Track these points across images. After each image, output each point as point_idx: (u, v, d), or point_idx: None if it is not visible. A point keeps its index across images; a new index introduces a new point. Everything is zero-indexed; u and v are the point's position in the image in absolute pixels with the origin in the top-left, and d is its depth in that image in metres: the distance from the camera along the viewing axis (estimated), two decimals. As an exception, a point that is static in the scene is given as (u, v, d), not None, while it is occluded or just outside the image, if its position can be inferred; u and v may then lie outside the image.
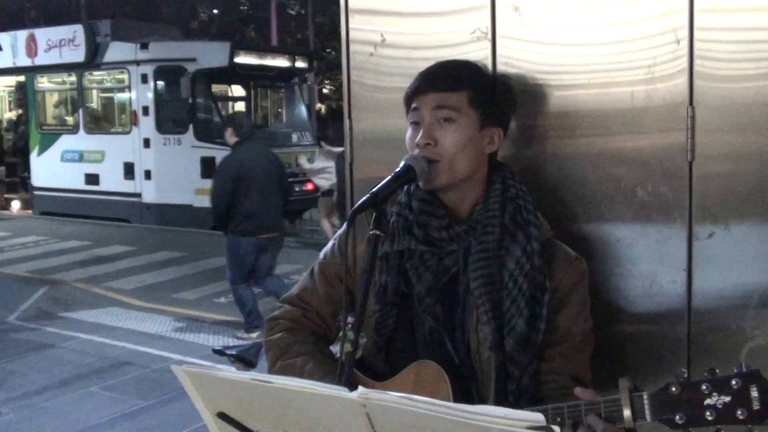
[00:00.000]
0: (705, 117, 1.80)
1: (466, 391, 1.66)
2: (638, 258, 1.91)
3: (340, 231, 1.90)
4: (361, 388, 1.04)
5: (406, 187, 1.77)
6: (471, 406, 1.00)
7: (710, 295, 1.83)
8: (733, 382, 1.31)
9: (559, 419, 1.45)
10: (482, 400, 1.66)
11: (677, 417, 1.34)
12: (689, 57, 1.81)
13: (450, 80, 1.74)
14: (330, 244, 1.91)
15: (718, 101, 1.79)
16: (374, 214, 1.60)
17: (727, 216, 1.80)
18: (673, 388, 1.34)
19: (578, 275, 1.75)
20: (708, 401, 1.32)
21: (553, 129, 2.00)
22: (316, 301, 1.87)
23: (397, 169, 1.67)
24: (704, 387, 1.32)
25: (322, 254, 1.91)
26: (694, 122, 1.80)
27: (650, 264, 1.90)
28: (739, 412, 1.29)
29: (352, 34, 2.33)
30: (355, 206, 1.58)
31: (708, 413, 1.32)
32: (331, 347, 1.89)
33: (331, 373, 1.70)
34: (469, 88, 1.74)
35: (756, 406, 1.29)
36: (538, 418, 0.97)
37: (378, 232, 1.58)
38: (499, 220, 1.70)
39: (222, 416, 1.18)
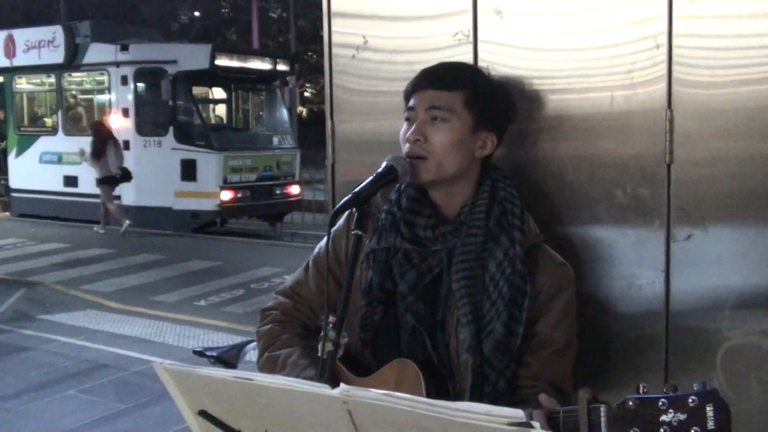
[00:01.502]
0: (683, 121, 1.82)
1: (443, 392, 1.66)
2: (617, 259, 1.93)
3: (336, 225, 1.88)
4: (342, 386, 1.05)
5: (398, 185, 1.78)
6: (452, 403, 1.01)
7: (688, 295, 1.85)
8: (690, 399, 1.29)
9: None
10: (457, 400, 1.66)
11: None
12: (668, 63, 1.83)
13: (448, 79, 1.75)
14: (325, 238, 1.90)
15: (697, 106, 1.81)
16: (356, 215, 1.61)
17: (704, 218, 1.82)
18: (630, 403, 1.32)
19: (562, 282, 1.75)
20: (663, 417, 1.30)
21: (535, 132, 2.01)
22: (308, 294, 1.89)
23: (379, 169, 1.68)
24: (661, 403, 1.31)
25: (316, 248, 1.93)
26: (673, 125, 1.82)
27: (629, 265, 1.92)
28: (694, 430, 1.28)
29: (334, 37, 2.34)
30: (336, 206, 1.60)
31: (662, 429, 1.30)
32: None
33: (314, 364, 1.71)
34: (466, 89, 1.74)
35: (711, 425, 1.28)
36: (518, 414, 0.98)
37: (360, 232, 1.60)
38: (483, 222, 1.71)
39: (203, 414, 1.18)
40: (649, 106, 1.86)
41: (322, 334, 1.55)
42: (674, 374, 1.87)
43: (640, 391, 1.33)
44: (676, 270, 1.86)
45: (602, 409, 1.34)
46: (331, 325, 1.54)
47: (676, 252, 1.86)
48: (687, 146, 1.83)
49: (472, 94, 1.74)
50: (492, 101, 1.78)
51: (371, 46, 2.26)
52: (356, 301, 1.75)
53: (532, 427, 0.97)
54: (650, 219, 1.88)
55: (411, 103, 1.76)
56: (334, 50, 2.34)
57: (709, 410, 1.28)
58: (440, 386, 1.66)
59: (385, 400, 1.02)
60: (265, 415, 1.14)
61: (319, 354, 1.54)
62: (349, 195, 1.61)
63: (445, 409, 1.00)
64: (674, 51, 1.82)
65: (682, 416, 1.29)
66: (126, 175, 13.02)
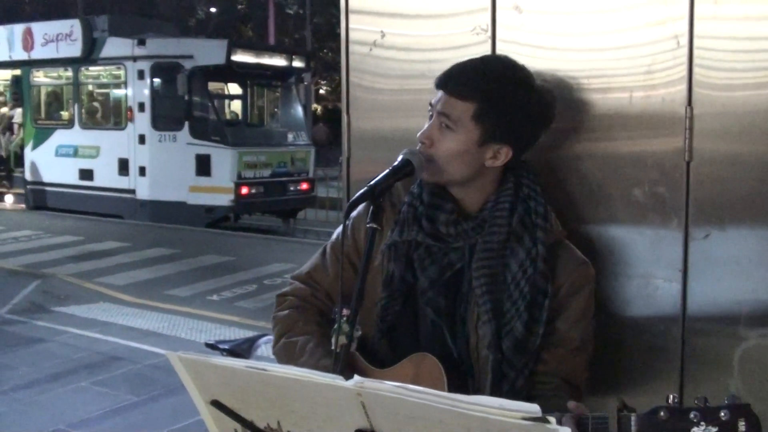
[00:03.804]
0: (703, 120, 1.81)
1: (462, 386, 1.66)
2: (634, 257, 1.92)
3: (355, 212, 1.82)
4: (356, 377, 1.04)
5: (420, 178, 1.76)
6: (467, 396, 1.00)
7: (705, 295, 1.83)
8: (722, 413, 1.29)
9: None
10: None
11: None
12: (688, 64, 1.81)
13: (462, 87, 1.69)
14: (341, 226, 1.87)
15: (717, 106, 1.79)
16: (371, 208, 1.60)
17: (723, 217, 1.80)
18: (662, 413, 1.33)
19: (582, 280, 1.74)
20: (695, 429, 1.30)
21: (553, 131, 1.99)
22: (325, 280, 1.87)
23: (396, 163, 1.67)
24: (692, 415, 1.31)
25: (334, 234, 1.90)
26: (692, 122, 1.81)
27: (646, 264, 1.90)
28: None
29: (351, 34, 2.34)
30: (352, 199, 1.59)
31: None
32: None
33: (331, 353, 1.68)
34: (477, 101, 1.67)
35: None
36: (533, 409, 0.97)
37: (375, 226, 1.59)
38: (506, 220, 1.69)
39: (216, 404, 1.17)
40: (668, 104, 1.84)
41: (335, 326, 1.54)
42: (690, 373, 1.85)
43: (670, 401, 1.33)
44: (693, 269, 1.84)
45: (633, 418, 1.34)
46: (345, 318, 1.54)
47: (694, 251, 1.84)
48: (706, 145, 1.81)
49: (483, 108, 1.67)
50: (507, 115, 1.69)
51: (388, 44, 2.25)
52: (375, 294, 1.75)
53: (547, 421, 0.96)
54: (668, 217, 1.87)
55: (433, 100, 1.74)
56: (351, 47, 2.34)
57: (741, 425, 1.29)
58: (459, 381, 1.66)
59: (399, 392, 1.02)
60: (278, 406, 1.13)
61: (333, 347, 1.53)
62: (365, 188, 1.60)
63: (460, 403, 0.99)
64: (695, 53, 1.80)
65: (713, 429, 1.29)
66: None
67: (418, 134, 1.73)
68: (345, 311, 1.55)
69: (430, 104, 1.74)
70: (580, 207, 1.98)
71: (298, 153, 14.31)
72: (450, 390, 1.60)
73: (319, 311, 1.87)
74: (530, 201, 1.72)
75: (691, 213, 1.83)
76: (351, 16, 2.34)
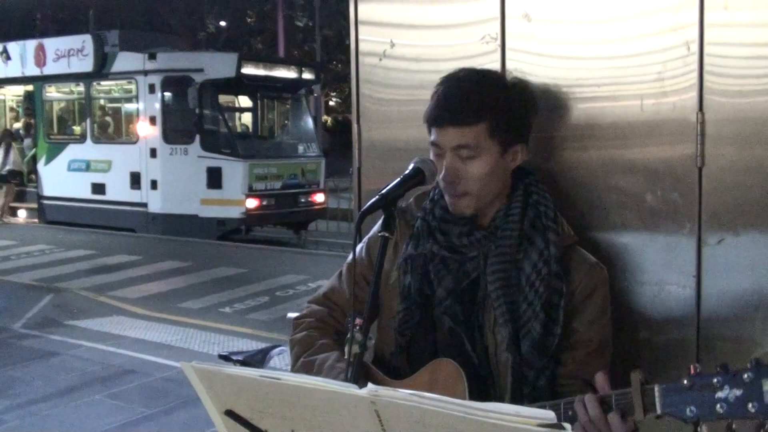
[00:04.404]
0: (714, 125, 1.80)
1: (483, 392, 1.67)
2: (648, 264, 1.91)
3: (371, 232, 1.90)
4: (370, 385, 1.04)
5: (431, 193, 1.80)
6: (481, 404, 0.99)
7: (719, 301, 1.82)
8: (746, 375, 1.30)
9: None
10: (498, 401, 1.65)
11: (688, 410, 1.34)
12: (699, 71, 1.81)
13: (468, 114, 1.69)
14: (360, 245, 1.91)
15: (728, 113, 1.79)
16: (383, 216, 1.60)
17: (736, 222, 1.79)
18: (685, 381, 1.34)
19: (597, 282, 1.75)
20: (719, 394, 1.31)
21: (564, 138, 2.00)
22: (342, 300, 1.89)
23: (407, 171, 1.67)
24: (716, 380, 1.32)
25: (351, 254, 1.88)
26: (704, 128, 1.80)
27: (660, 270, 1.89)
28: (751, 405, 1.29)
29: (361, 45, 2.35)
30: (364, 208, 1.59)
31: (719, 406, 1.31)
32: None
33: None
34: (487, 119, 1.69)
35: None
36: (548, 415, 0.96)
37: (387, 234, 1.59)
38: (518, 225, 1.72)
39: (230, 414, 1.17)
40: (680, 110, 1.84)
41: (348, 336, 1.54)
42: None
43: (692, 371, 1.34)
44: (707, 275, 1.83)
45: (656, 389, 1.37)
46: (357, 327, 1.54)
47: (708, 257, 1.83)
48: (718, 150, 1.80)
49: (494, 122, 1.70)
50: (514, 117, 1.74)
51: (398, 54, 2.26)
52: (391, 310, 1.78)
53: (563, 428, 0.95)
54: (681, 223, 1.86)
55: (434, 138, 1.74)
56: (361, 58, 2.35)
57: (766, 385, 1.28)
58: (480, 387, 1.66)
59: (413, 400, 1.01)
60: (293, 416, 1.13)
61: (346, 356, 1.54)
62: (377, 197, 1.61)
63: (474, 410, 0.98)
64: (706, 59, 1.80)
65: (738, 392, 1.30)
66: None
67: (440, 177, 1.71)
68: (358, 321, 1.55)
69: (434, 144, 1.73)
70: (592, 214, 1.97)
71: (308, 164, 14.34)
72: (471, 394, 1.60)
73: (336, 331, 1.88)
74: (540, 206, 1.75)
75: (704, 218, 1.83)
76: (360, 28, 2.35)
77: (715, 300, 1.83)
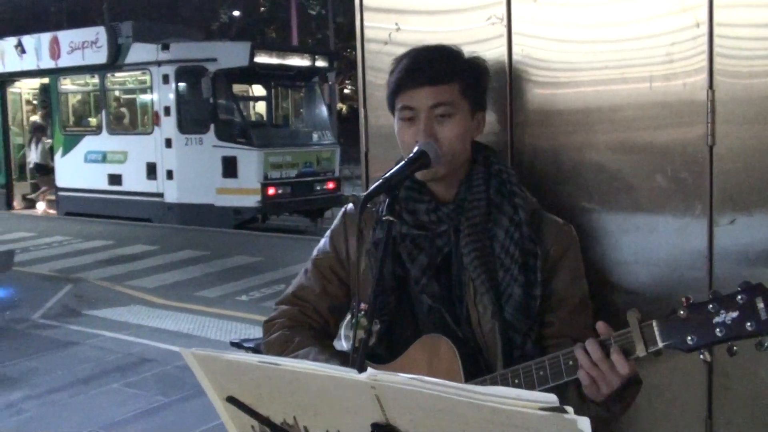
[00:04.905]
0: (725, 107, 1.77)
1: (473, 364, 1.67)
2: (658, 245, 1.88)
3: (333, 225, 1.94)
4: (370, 370, 1.02)
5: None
6: (482, 387, 0.97)
7: (731, 282, 1.77)
8: (739, 297, 1.34)
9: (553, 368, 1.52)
10: (490, 370, 1.68)
11: (688, 339, 1.38)
12: (709, 52, 1.77)
13: (444, 72, 1.72)
14: (323, 240, 1.94)
15: (738, 93, 1.75)
16: (387, 200, 1.59)
17: (749, 202, 1.76)
18: (681, 312, 1.38)
19: (568, 240, 1.78)
20: (716, 319, 1.36)
21: (572, 120, 1.97)
22: (312, 297, 1.89)
23: (411, 155, 1.66)
24: (711, 306, 1.36)
25: (315, 250, 1.95)
26: (714, 105, 1.77)
27: (670, 251, 1.86)
28: (748, 324, 1.33)
29: (366, 32, 2.33)
30: (367, 192, 1.58)
31: (718, 330, 1.35)
32: (343, 331, 1.90)
33: (334, 358, 1.74)
34: (459, 78, 1.73)
35: (764, 316, 1.33)
36: (551, 399, 0.94)
37: (392, 218, 1.58)
38: (484, 194, 1.74)
39: (232, 400, 1.16)
40: (689, 89, 1.80)
41: (353, 321, 1.53)
42: (718, 363, 1.81)
43: (685, 303, 1.39)
44: (719, 256, 1.80)
45: (654, 324, 1.41)
46: (363, 312, 1.53)
47: (719, 237, 1.80)
48: (729, 128, 1.77)
49: (465, 82, 1.74)
50: (479, 81, 1.79)
51: (401, 40, 2.23)
52: (365, 294, 1.76)
53: (565, 411, 0.93)
54: (692, 203, 1.83)
55: (406, 102, 1.73)
56: (367, 45, 2.33)
57: (760, 303, 1.34)
58: (470, 359, 1.66)
59: (414, 384, 1.00)
60: (293, 401, 1.12)
61: (352, 341, 1.53)
62: (380, 181, 1.59)
63: (476, 394, 0.97)
64: (715, 41, 1.77)
65: (734, 314, 1.35)
66: None
67: (416, 138, 1.72)
68: (363, 306, 1.54)
69: (407, 108, 1.73)
70: (602, 195, 1.95)
71: (323, 152, 14.34)
72: (464, 368, 1.62)
73: (310, 328, 1.88)
74: (502, 174, 1.78)
75: (715, 198, 1.79)
76: (365, 14, 2.33)
77: (727, 282, 1.78)
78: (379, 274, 1.54)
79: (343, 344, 1.90)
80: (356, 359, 1.48)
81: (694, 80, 1.80)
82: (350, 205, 1.92)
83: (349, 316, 1.86)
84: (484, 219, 1.72)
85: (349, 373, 1.04)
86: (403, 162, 1.65)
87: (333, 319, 1.90)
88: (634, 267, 1.91)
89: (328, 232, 1.95)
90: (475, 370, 1.65)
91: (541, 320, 1.72)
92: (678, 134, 1.83)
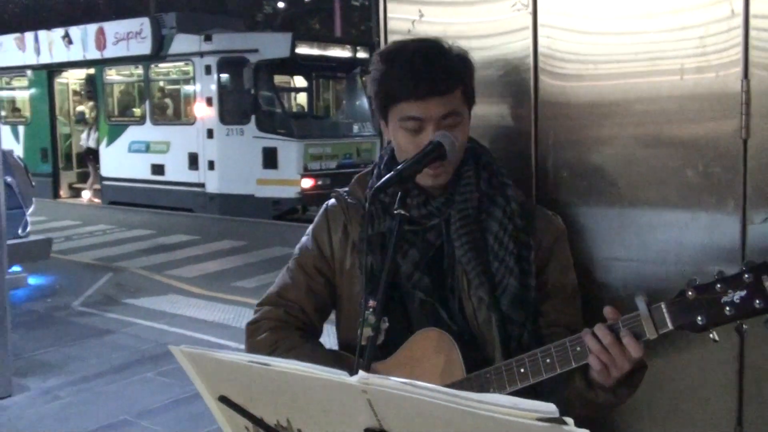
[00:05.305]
0: (759, 100, 1.67)
1: (469, 357, 1.63)
2: (688, 243, 1.79)
3: (314, 223, 1.90)
4: (361, 373, 0.97)
5: (375, 171, 1.79)
6: (477, 395, 0.91)
7: (765, 283, 1.69)
8: (746, 276, 1.36)
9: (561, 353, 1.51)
10: (487, 362, 1.63)
11: (698, 319, 1.39)
12: (744, 44, 1.68)
13: (447, 81, 1.65)
14: (305, 238, 1.90)
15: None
16: (399, 194, 1.54)
17: (785, 198, 1.66)
18: (689, 293, 1.39)
19: (558, 231, 1.78)
20: (725, 298, 1.37)
21: (602, 114, 1.89)
22: (297, 296, 1.83)
23: (425, 147, 1.60)
24: (719, 286, 1.37)
25: (297, 249, 1.90)
26: (750, 96, 1.67)
27: (701, 250, 1.77)
28: (757, 302, 1.35)
29: (390, 23, 2.28)
30: (378, 184, 1.53)
31: (727, 309, 1.37)
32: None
33: (322, 360, 1.68)
34: (461, 84, 1.68)
35: None
36: (549, 408, 0.88)
37: (403, 212, 1.53)
38: (475, 186, 1.71)
39: (224, 400, 1.12)
40: (722, 81, 1.71)
41: (361, 319, 1.48)
42: (749, 368, 1.72)
43: (691, 285, 1.41)
44: (752, 256, 1.70)
45: (663, 306, 1.43)
46: (371, 309, 1.48)
47: (753, 236, 1.71)
48: (765, 122, 1.67)
49: (465, 87, 1.70)
50: (472, 79, 1.74)
51: (423, 32, 2.17)
52: (352, 292, 1.77)
53: (564, 422, 0.87)
54: (724, 200, 1.74)
55: (412, 113, 1.65)
56: (390, 36, 2.28)
57: (767, 281, 1.35)
58: (465, 352, 1.62)
59: (406, 390, 0.94)
60: (285, 403, 1.07)
61: (359, 339, 1.48)
62: (392, 173, 1.54)
63: (470, 401, 0.91)
64: (751, 33, 1.67)
65: (742, 293, 1.37)
66: None
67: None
68: (371, 303, 1.49)
69: (413, 118, 1.65)
70: (630, 190, 1.86)
71: (363, 144, 14.30)
72: (465, 361, 1.60)
73: (297, 328, 1.82)
74: (492, 166, 1.76)
75: (749, 195, 1.70)
76: (389, 5, 2.28)
77: (760, 282, 1.70)
78: (388, 271, 1.49)
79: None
80: (363, 358, 1.44)
81: (727, 73, 1.70)
82: (332, 201, 1.87)
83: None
84: (475, 211, 1.69)
85: (340, 376, 0.98)
86: (417, 154, 1.58)
87: (319, 318, 1.85)
88: (662, 266, 1.83)
89: (309, 230, 1.89)
90: (473, 362, 1.61)
91: (536, 311, 1.70)
92: (710, 127, 1.74)
